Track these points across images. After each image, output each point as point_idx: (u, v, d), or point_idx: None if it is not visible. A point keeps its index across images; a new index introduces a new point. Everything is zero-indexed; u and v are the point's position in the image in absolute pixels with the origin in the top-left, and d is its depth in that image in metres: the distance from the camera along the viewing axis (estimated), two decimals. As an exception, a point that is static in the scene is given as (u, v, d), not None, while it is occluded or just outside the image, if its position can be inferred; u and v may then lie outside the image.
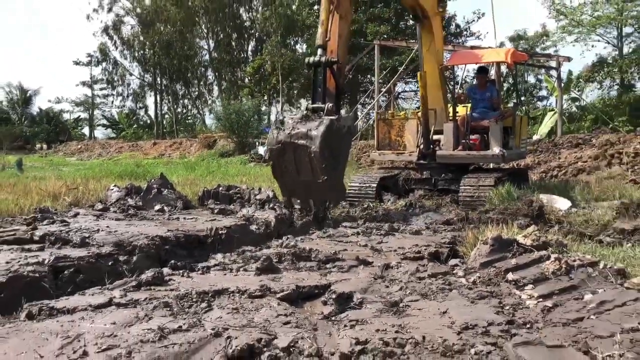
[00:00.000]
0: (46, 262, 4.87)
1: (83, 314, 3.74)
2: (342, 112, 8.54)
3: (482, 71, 11.83)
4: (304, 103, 8.29)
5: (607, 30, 32.80)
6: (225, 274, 4.92)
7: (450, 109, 11.43)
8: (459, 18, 42.48)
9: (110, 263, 5.27)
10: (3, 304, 4.18)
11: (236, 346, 3.06)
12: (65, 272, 4.86)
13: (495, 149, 10.41)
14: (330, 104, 7.93)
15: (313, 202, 8.15)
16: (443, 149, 10.83)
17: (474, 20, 42.21)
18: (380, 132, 12.01)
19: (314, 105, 7.99)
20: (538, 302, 3.97)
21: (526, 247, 5.03)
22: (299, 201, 8.29)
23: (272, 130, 7.98)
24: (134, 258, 5.50)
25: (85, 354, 3.02)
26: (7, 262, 4.80)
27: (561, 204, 8.69)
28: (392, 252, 5.91)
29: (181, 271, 4.94)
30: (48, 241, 5.77)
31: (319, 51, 8.09)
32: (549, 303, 3.93)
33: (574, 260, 4.59)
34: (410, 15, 11.46)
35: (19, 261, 4.85)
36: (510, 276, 4.51)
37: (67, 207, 9.04)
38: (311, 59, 8.18)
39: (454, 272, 4.97)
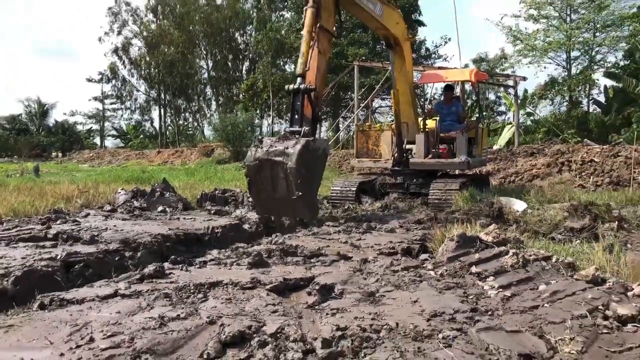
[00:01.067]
0: (58, 257, 4.79)
1: (91, 304, 3.68)
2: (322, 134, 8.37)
3: (449, 88, 11.88)
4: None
5: (557, 54, 33.06)
6: (220, 268, 4.87)
7: (421, 122, 11.46)
8: (429, 42, 43.05)
9: (116, 258, 5.19)
10: (19, 295, 4.09)
11: (229, 333, 3.01)
12: (76, 266, 4.78)
13: (462, 157, 10.43)
14: (307, 128, 7.67)
15: (287, 218, 7.69)
16: (415, 157, 10.84)
17: (441, 44, 42.57)
18: (359, 142, 11.99)
19: (292, 129, 7.71)
20: (498, 292, 3.96)
21: (488, 243, 5.03)
22: (273, 218, 7.72)
23: (251, 149, 7.57)
24: (138, 254, 5.42)
25: (91, 340, 2.96)
26: (23, 258, 4.73)
27: (518, 205, 8.71)
28: (369, 248, 5.89)
29: (180, 265, 4.88)
30: (61, 239, 5.69)
31: (298, 79, 7.88)
32: (508, 293, 3.92)
33: (530, 255, 4.59)
34: (384, 43, 11.42)
35: (33, 257, 4.77)
36: (473, 269, 4.51)
37: (79, 208, 8.91)
38: (291, 86, 7.95)
39: (424, 265, 4.96)
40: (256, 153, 7.29)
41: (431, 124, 11.46)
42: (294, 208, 7.33)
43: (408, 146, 10.98)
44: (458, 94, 13.57)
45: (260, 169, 7.19)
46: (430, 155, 10.78)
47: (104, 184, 13.81)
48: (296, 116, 7.83)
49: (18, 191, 11.24)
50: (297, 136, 7.42)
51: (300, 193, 7.03)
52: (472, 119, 14.80)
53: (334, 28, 9.01)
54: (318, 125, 8.49)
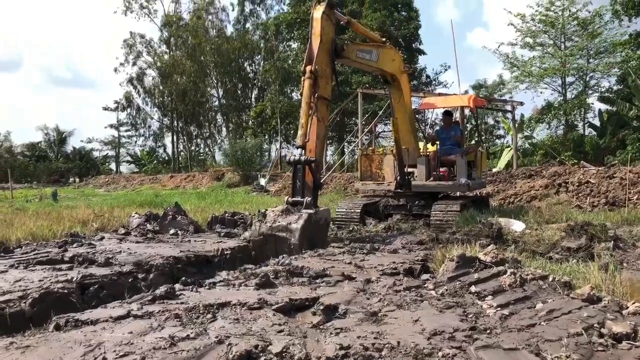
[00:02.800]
0: (74, 279, 4.81)
1: (104, 325, 3.68)
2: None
3: (448, 114, 11.95)
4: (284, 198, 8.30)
5: (553, 79, 33.22)
6: (228, 289, 4.86)
7: (422, 146, 11.51)
8: (429, 70, 43.24)
9: (130, 280, 5.20)
10: (36, 316, 4.11)
11: (236, 352, 3.01)
12: (91, 288, 4.79)
13: (462, 180, 10.44)
14: (309, 198, 7.71)
15: None
16: (417, 180, 10.87)
17: (441, 72, 42.99)
18: (362, 165, 12.03)
19: (294, 199, 7.78)
20: (496, 311, 3.94)
21: (486, 263, 5.01)
22: None
23: (255, 223, 7.63)
24: (151, 275, 5.43)
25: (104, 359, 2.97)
26: (40, 280, 4.75)
27: (517, 226, 8.69)
28: (373, 268, 5.86)
29: (190, 287, 4.87)
30: (76, 261, 5.71)
31: (299, 150, 7.92)
32: (506, 312, 3.90)
33: (527, 275, 4.57)
34: (382, 80, 11.56)
35: (50, 279, 4.79)
36: (473, 288, 4.49)
37: (95, 232, 8.96)
38: (292, 157, 8.00)
39: (425, 285, 4.94)
40: (260, 228, 7.34)
41: (431, 148, 11.51)
42: None
43: (409, 169, 11.01)
44: (457, 119, 13.63)
45: (264, 243, 7.22)
46: (432, 178, 10.80)
47: (119, 208, 13.88)
48: (298, 185, 7.90)
49: (37, 216, 11.33)
50: (299, 207, 7.52)
51: None
52: (472, 142, 14.84)
53: (331, 93, 9.07)
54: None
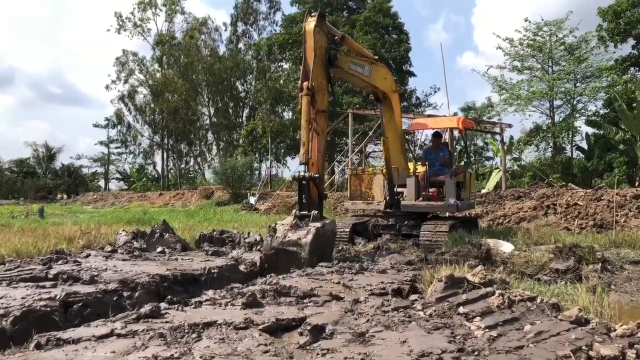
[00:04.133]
0: (57, 297, 4.71)
1: (87, 344, 3.61)
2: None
3: (437, 135, 12.02)
4: (293, 212, 8.77)
5: (541, 103, 33.59)
6: (214, 308, 4.80)
7: (411, 166, 11.54)
8: (419, 92, 43.70)
9: (115, 298, 5.12)
10: (17, 335, 4.02)
11: (220, 372, 2.95)
12: (75, 306, 4.70)
13: (451, 200, 10.46)
14: (315, 212, 8.06)
15: None
16: (406, 200, 10.88)
17: (431, 94, 43.53)
18: (352, 185, 12.04)
19: (302, 213, 8.15)
20: (485, 332, 3.91)
21: (475, 284, 5.00)
22: None
23: (266, 238, 8.08)
24: (136, 294, 5.34)
25: (85, 380, 2.90)
26: (23, 298, 4.66)
27: (505, 247, 8.69)
28: (361, 288, 5.82)
29: (176, 305, 4.81)
30: (61, 279, 5.62)
31: (302, 167, 8.31)
32: (494, 333, 3.88)
33: (515, 296, 4.56)
34: (373, 97, 11.68)
35: (33, 297, 4.70)
36: (461, 309, 4.46)
37: (81, 249, 8.83)
38: (297, 174, 8.41)
39: (414, 306, 4.90)
40: (272, 242, 7.80)
41: (421, 168, 11.55)
42: None
43: (399, 189, 11.03)
44: (446, 140, 13.72)
45: (276, 256, 7.50)
46: (421, 198, 10.81)
47: (106, 225, 13.74)
48: (304, 200, 8.34)
49: (22, 232, 11.18)
50: (307, 220, 7.93)
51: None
52: (461, 164, 14.92)
53: (329, 103, 9.30)
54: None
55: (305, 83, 8.50)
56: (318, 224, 7.81)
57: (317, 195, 8.45)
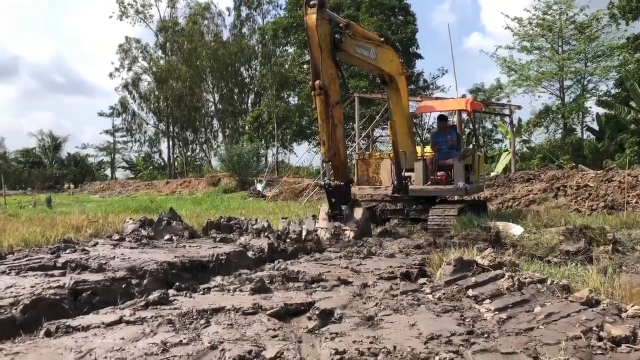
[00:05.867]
0: (66, 285, 4.75)
1: (96, 331, 3.65)
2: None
3: (442, 118, 11.95)
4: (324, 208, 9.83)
5: (550, 83, 33.24)
6: (223, 294, 4.84)
7: (419, 150, 11.50)
8: (426, 74, 43.34)
9: (123, 286, 5.14)
10: (27, 323, 4.06)
11: (229, 357, 2.99)
12: (83, 294, 4.73)
13: (460, 184, 10.43)
14: (346, 210, 8.97)
15: None
16: (414, 184, 10.85)
17: (439, 76, 43.19)
18: (359, 170, 12.03)
19: (334, 212, 9.00)
20: (494, 314, 3.92)
21: (484, 267, 5.00)
22: None
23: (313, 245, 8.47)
24: (144, 281, 5.37)
25: (95, 366, 2.94)
26: (32, 286, 4.70)
27: (515, 230, 8.67)
28: (369, 273, 5.84)
29: (184, 292, 4.85)
30: (69, 267, 5.66)
31: (327, 167, 8.99)
32: (503, 315, 3.88)
33: (525, 278, 4.56)
34: (380, 80, 11.65)
35: (42, 285, 4.75)
36: (470, 292, 4.47)
37: (88, 237, 8.90)
38: (321, 182, 9.29)
39: (422, 289, 4.92)
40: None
41: (429, 152, 11.50)
42: None
43: (407, 174, 11.00)
44: (455, 123, 13.64)
45: None
46: (429, 182, 10.79)
47: (113, 214, 13.84)
48: (333, 201, 9.06)
49: (30, 222, 11.29)
50: (343, 221, 8.89)
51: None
52: (469, 147, 14.84)
53: (341, 89, 9.56)
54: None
55: (317, 82, 8.49)
56: (354, 227, 8.62)
57: (345, 193, 9.17)
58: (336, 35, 9.23)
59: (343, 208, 8.99)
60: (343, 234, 8.62)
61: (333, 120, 8.71)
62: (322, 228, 8.88)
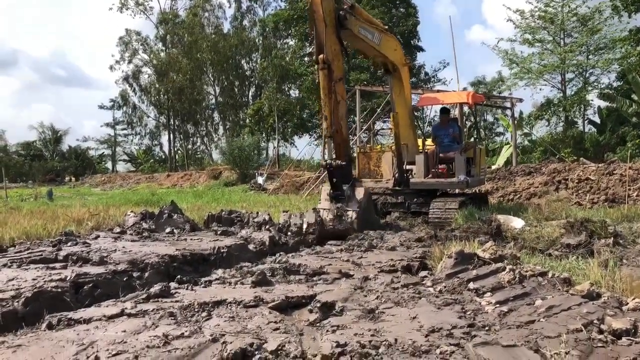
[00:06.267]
0: (68, 278, 4.77)
1: (97, 324, 3.66)
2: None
3: (444, 111, 11.92)
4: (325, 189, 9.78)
5: (552, 76, 33.17)
6: (224, 287, 4.85)
7: (421, 143, 11.48)
8: (427, 67, 43.21)
9: (124, 279, 5.16)
10: (29, 316, 4.07)
11: (231, 350, 2.99)
12: (85, 287, 4.75)
13: (461, 177, 10.43)
14: (347, 190, 8.99)
15: None
16: (415, 177, 10.85)
17: (440, 69, 43.04)
18: (361, 163, 12.01)
19: (336, 193, 9.01)
20: (495, 307, 3.93)
21: (485, 260, 5.00)
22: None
23: (317, 227, 8.54)
24: (146, 274, 5.39)
25: (97, 358, 2.95)
26: (34, 279, 4.71)
27: (516, 223, 8.67)
28: (370, 266, 5.85)
29: (186, 285, 4.86)
30: (71, 260, 5.67)
31: (329, 142, 8.93)
32: (504, 308, 3.89)
33: (526, 271, 4.56)
34: (382, 69, 11.67)
35: (44, 278, 4.76)
36: (471, 285, 4.47)
37: (90, 230, 8.92)
38: (323, 162, 9.22)
39: (423, 282, 4.92)
40: (322, 230, 8.28)
41: (430, 145, 11.49)
42: None
43: (408, 167, 10.99)
44: (456, 116, 13.62)
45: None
46: (430, 175, 10.78)
47: (115, 207, 13.85)
48: (334, 182, 9.09)
49: (31, 215, 11.30)
50: (344, 202, 8.88)
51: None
52: (470, 139, 14.82)
53: (345, 65, 9.52)
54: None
55: (321, 56, 8.56)
56: (355, 207, 8.63)
57: (347, 174, 9.19)
58: (341, 12, 9.30)
59: (344, 188, 9.01)
60: (345, 214, 8.62)
61: (336, 96, 8.75)
62: (324, 209, 8.92)
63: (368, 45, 10.25)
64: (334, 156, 8.97)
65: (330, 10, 8.82)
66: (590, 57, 31.54)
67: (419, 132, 12.09)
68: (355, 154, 12.47)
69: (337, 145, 9.02)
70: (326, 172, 9.33)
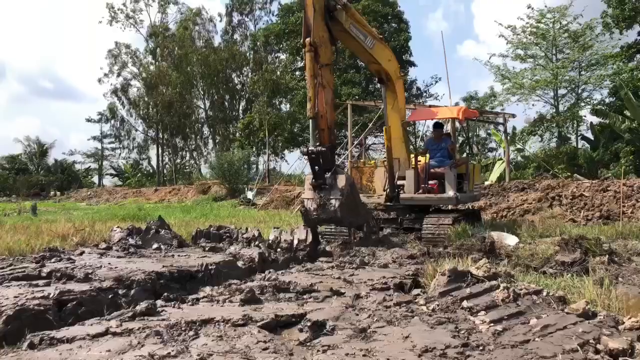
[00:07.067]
0: (51, 296, 4.70)
1: (81, 343, 3.60)
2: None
3: (438, 126, 11.97)
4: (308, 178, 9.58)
5: (544, 92, 33.57)
6: (212, 305, 4.80)
7: (413, 158, 11.51)
8: (419, 82, 43.58)
9: (110, 296, 5.10)
10: (10, 335, 4.01)
11: (218, 371, 2.95)
12: (69, 304, 4.69)
13: (450, 193, 10.42)
14: (329, 178, 8.78)
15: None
16: (405, 193, 10.87)
17: (432, 84, 43.36)
18: (354, 178, 12.00)
19: (318, 182, 8.82)
20: (489, 326, 3.91)
21: (479, 277, 4.99)
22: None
23: (302, 215, 9.05)
24: (132, 291, 5.33)
25: (79, 380, 2.89)
26: (15, 297, 4.63)
27: (510, 240, 8.68)
28: (362, 283, 5.82)
29: (173, 303, 4.81)
30: (54, 277, 5.60)
31: (312, 124, 8.85)
32: (499, 327, 3.87)
33: (521, 289, 4.56)
34: (377, 79, 11.78)
35: (26, 295, 4.68)
36: (465, 304, 4.45)
37: (75, 246, 8.81)
38: (305, 149, 8.98)
39: (416, 300, 4.90)
40: (309, 218, 8.80)
41: (423, 159, 11.52)
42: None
43: (399, 182, 11.00)
44: (449, 131, 13.68)
45: (318, 224, 9.00)
46: (420, 191, 10.79)
47: (101, 222, 13.73)
48: (316, 170, 8.89)
49: (14, 230, 11.17)
50: (326, 190, 8.74)
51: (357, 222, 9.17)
52: (463, 155, 14.88)
53: (333, 55, 9.62)
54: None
55: (308, 39, 8.71)
56: (338, 195, 8.58)
57: (329, 157, 9.00)
58: (331, 1, 9.46)
59: (327, 177, 8.90)
60: (329, 203, 8.60)
61: (321, 80, 8.81)
62: (308, 199, 8.90)
63: (361, 46, 10.40)
64: (317, 143, 8.95)
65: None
66: (582, 73, 31.99)
67: (411, 147, 12.11)
68: (347, 169, 12.48)
69: (320, 130, 9.03)
70: (308, 159, 9.22)
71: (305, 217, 8.87)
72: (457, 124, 14.11)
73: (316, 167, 8.89)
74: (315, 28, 8.76)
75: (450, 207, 11.77)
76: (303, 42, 8.84)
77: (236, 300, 4.87)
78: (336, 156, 10.42)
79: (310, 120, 8.91)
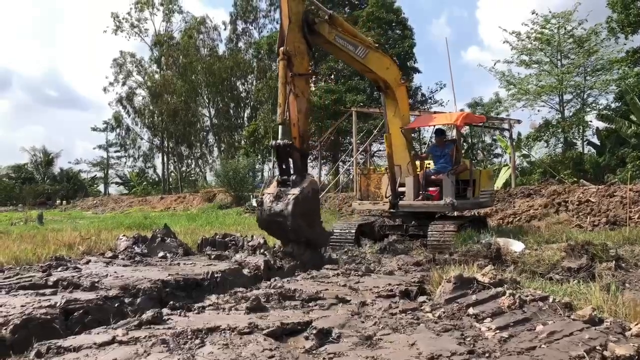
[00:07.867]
0: (58, 305, 4.72)
1: (87, 352, 3.62)
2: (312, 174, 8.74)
3: (439, 132, 11.99)
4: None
5: (550, 97, 33.50)
6: (218, 313, 4.81)
7: (416, 164, 11.50)
8: (424, 88, 43.56)
9: (116, 305, 5.12)
10: (17, 344, 4.03)
11: (225, 379, 2.96)
12: (75, 313, 4.71)
13: (447, 199, 10.36)
14: (294, 176, 8.48)
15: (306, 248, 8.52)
16: (405, 200, 10.88)
17: (437, 90, 43.31)
18: (362, 185, 12.03)
19: (283, 178, 8.57)
20: (495, 333, 3.90)
21: (485, 284, 4.98)
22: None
23: (257, 210, 8.84)
24: (138, 300, 5.35)
25: (86, 388, 2.91)
26: (22, 306, 4.66)
27: (516, 246, 8.67)
28: (368, 290, 5.82)
29: (179, 311, 4.81)
30: (61, 286, 5.62)
31: (280, 128, 8.59)
32: (505, 334, 3.87)
33: (527, 296, 4.55)
34: (376, 87, 11.78)
35: (33, 304, 4.71)
36: (471, 310, 4.45)
37: (81, 255, 8.85)
38: (272, 142, 8.76)
39: (422, 307, 4.89)
40: (261, 215, 8.50)
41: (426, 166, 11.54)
42: (309, 242, 8.51)
43: (400, 189, 11.01)
44: (454, 137, 13.66)
45: (269, 226, 8.48)
46: (420, 198, 10.78)
47: (106, 230, 13.79)
48: (283, 166, 8.70)
49: (21, 239, 11.23)
50: (289, 187, 8.35)
51: (307, 236, 8.32)
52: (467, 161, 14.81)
53: (310, 66, 9.40)
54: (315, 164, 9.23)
55: (281, 48, 8.67)
56: (296, 191, 8.19)
57: (299, 156, 8.71)
58: (310, 15, 9.36)
59: (292, 177, 8.58)
60: (285, 196, 8.27)
61: (294, 91, 8.75)
62: (267, 193, 8.59)
63: (351, 57, 10.33)
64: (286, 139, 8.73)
65: (297, 11, 8.97)
66: (588, 78, 31.93)
67: (413, 153, 12.10)
68: (353, 176, 12.48)
69: (292, 138, 8.84)
70: (276, 155, 9.06)
71: (258, 214, 8.60)
72: (463, 130, 14.07)
73: (283, 164, 8.73)
74: (290, 38, 8.73)
75: (455, 213, 11.74)
76: (277, 50, 8.82)
77: (242, 308, 4.88)
78: (340, 167, 10.23)
79: (280, 127, 8.71)
